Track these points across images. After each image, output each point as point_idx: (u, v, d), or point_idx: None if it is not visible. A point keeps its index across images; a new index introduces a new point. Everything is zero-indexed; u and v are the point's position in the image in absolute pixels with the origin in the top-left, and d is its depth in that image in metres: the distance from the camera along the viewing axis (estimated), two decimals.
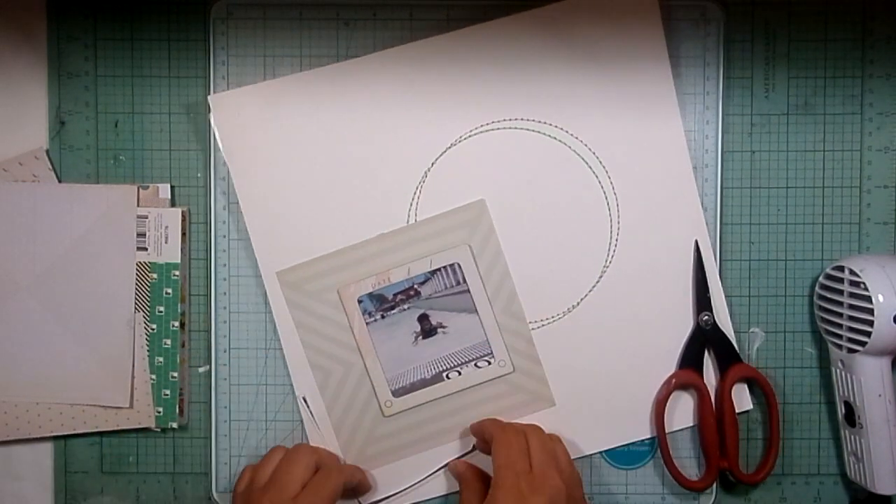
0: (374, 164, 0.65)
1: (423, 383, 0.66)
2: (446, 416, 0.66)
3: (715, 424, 0.65)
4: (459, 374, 0.66)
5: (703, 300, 0.65)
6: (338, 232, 0.65)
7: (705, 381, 0.65)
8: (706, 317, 0.65)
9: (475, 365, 0.66)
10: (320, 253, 0.65)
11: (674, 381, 0.65)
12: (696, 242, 0.65)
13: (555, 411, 0.66)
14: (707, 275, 0.65)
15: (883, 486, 0.63)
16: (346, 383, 0.66)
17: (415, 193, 0.65)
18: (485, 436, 0.62)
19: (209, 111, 0.66)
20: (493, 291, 0.65)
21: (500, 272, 0.65)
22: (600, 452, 0.67)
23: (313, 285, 0.65)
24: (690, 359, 0.65)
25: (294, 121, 0.65)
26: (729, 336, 0.66)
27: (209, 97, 0.65)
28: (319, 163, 0.65)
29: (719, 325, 0.65)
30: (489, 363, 0.66)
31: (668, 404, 0.65)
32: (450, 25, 0.65)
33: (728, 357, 0.65)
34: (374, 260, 0.65)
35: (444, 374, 0.66)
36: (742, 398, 0.66)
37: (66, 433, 0.67)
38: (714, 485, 0.66)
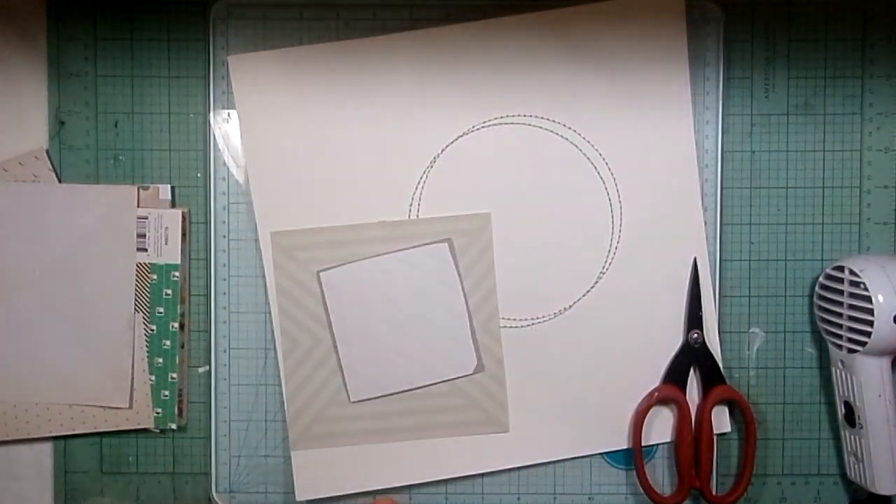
0: (382, 147, 0.65)
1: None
2: (405, 414, 0.66)
3: (692, 443, 0.65)
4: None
5: (694, 318, 0.65)
6: (339, 208, 0.65)
7: (687, 398, 0.65)
8: (696, 335, 0.65)
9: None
10: (318, 224, 0.65)
11: (656, 394, 0.65)
12: (695, 260, 0.65)
13: (507, 438, 0.66)
14: (702, 294, 0.65)
15: (883, 486, 0.63)
16: (309, 357, 0.66)
17: (419, 182, 0.65)
18: None
19: (210, 110, 0.66)
20: (476, 304, 0.65)
21: (487, 286, 0.65)
22: (601, 454, 0.67)
23: (304, 254, 0.65)
24: (675, 375, 0.65)
25: (309, 91, 0.65)
26: (716, 356, 0.66)
27: (228, 57, 0.65)
28: (329, 136, 0.65)
29: (708, 344, 0.65)
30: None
31: (647, 417, 0.65)
32: (452, 24, 0.65)
33: (712, 377, 0.65)
34: (368, 245, 0.65)
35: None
36: (721, 420, 0.66)
37: (65, 433, 0.67)
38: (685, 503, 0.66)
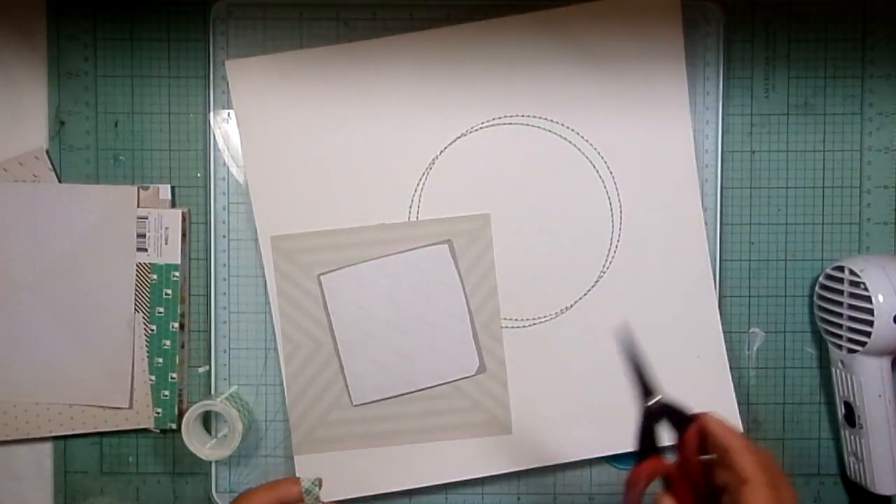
0: (381, 150, 0.65)
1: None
2: (407, 417, 0.66)
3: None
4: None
5: (646, 386, 0.55)
6: (337, 211, 0.65)
7: (667, 459, 0.54)
8: (652, 399, 0.54)
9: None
10: (317, 227, 0.65)
11: (642, 483, 0.53)
12: (627, 325, 0.56)
13: (510, 440, 0.66)
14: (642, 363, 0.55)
15: (883, 486, 0.63)
16: (311, 361, 0.66)
17: (419, 183, 0.65)
18: (727, 461, 0.50)
19: (210, 110, 0.66)
20: (477, 305, 0.65)
21: (488, 287, 0.65)
22: (604, 458, 0.67)
23: (304, 258, 0.65)
24: (647, 447, 0.54)
25: (307, 94, 0.65)
26: (677, 407, 0.54)
27: (226, 62, 0.65)
28: (327, 140, 0.65)
29: (666, 399, 0.54)
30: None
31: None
32: (450, 25, 0.65)
33: (681, 421, 0.53)
34: (368, 248, 0.65)
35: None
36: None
37: (65, 433, 0.67)
38: None
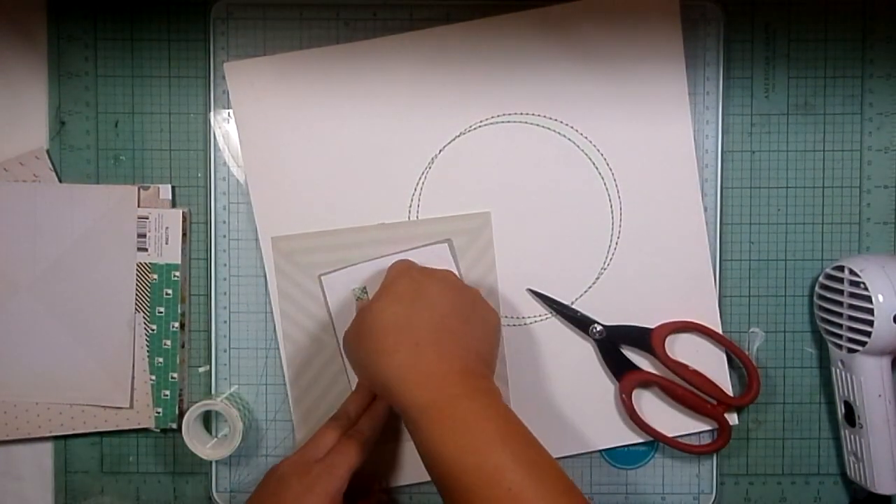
0: (380, 149, 0.65)
1: None
2: None
3: (678, 389, 0.65)
4: None
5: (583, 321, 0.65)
6: (338, 211, 0.65)
7: (649, 369, 0.65)
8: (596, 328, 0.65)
9: None
10: (318, 228, 0.65)
11: (623, 396, 0.65)
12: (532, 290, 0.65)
13: None
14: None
15: (883, 486, 0.63)
16: (314, 362, 0.66)
17: (418, 183, 0.65)
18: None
19: (210, 110, 0.66)
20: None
21: (488, 285, 0.65)
22: (600, 451, 0.67)
23: (305, 259, 0.65)
24: (617, 365, 0.65)
25: (305, 95, 0.65)
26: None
27: (224, 64, 0.65)
28: (327, 140, 0.65)
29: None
30: None
31: (636, 406, 0.65)
32: (449, 24, 0.65)
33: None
34: (368, 248, 0.65)
35: None
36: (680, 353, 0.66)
37: (66, 433, 0.67)
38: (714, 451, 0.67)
